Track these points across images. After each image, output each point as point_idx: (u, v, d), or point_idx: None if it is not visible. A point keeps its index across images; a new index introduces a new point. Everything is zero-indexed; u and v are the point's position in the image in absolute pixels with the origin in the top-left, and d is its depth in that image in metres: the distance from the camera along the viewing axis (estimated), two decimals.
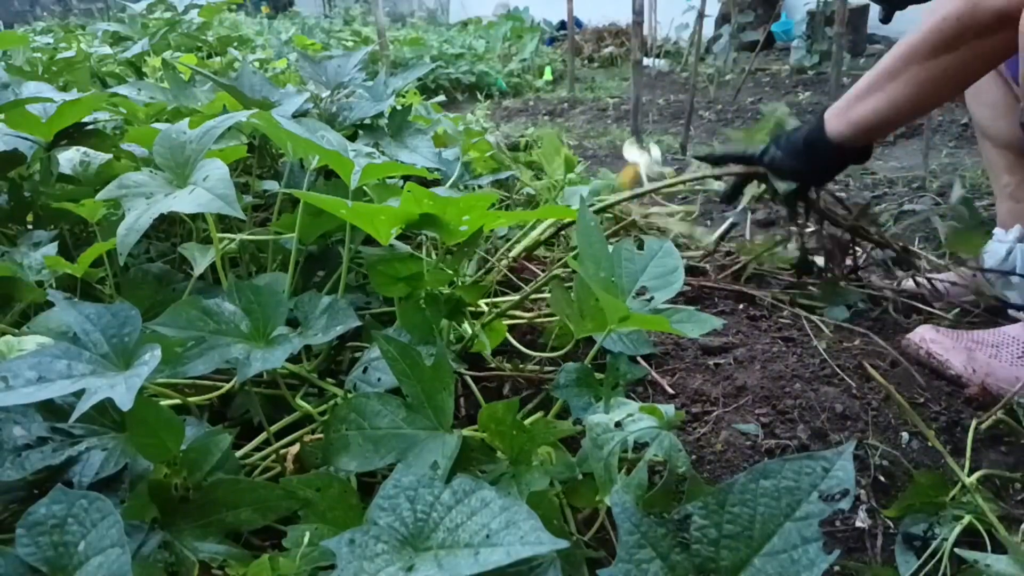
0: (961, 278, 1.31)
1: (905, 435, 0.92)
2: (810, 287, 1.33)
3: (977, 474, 0.82)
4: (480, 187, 1.54)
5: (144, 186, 0.83)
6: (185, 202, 0.78)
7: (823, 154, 1.15)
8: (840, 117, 1.11)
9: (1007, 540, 0.71)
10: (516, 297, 1.11)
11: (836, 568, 0.75)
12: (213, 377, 0.88)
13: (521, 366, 1.04)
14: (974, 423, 0.93)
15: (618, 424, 0.65)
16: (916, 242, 1.86)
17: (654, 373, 1.01)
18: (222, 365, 0.73)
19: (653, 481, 0.63)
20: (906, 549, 0.75)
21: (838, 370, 1.03)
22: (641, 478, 0.61)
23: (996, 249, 1.37)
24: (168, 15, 2.86)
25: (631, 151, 1.45)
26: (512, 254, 1.29)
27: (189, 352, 0.72)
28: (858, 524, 0.80)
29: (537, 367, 1.04)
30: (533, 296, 1.14)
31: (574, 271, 0.90)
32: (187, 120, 0.90)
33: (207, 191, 0.77)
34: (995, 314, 1.26)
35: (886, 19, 1.30)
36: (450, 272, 0.94)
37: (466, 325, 1.01)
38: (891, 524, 0.79)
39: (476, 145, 1.58)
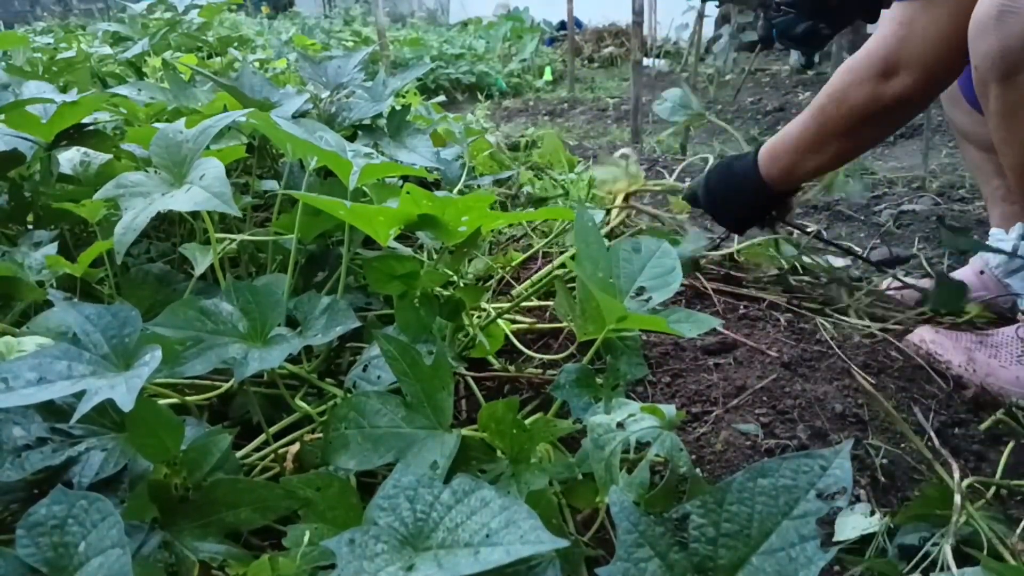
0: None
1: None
2: (809, 287, 1.33)
3: (967, 481, 0.82)
4: (479, 187, 1.54)
5: (141, 185, 0.83)
6: (181, 200, 0.78)
7: (771, 202, 1.26)
8: (782, 179, 1.21)
9: (1003, 542, 0.71)
10: (509, 304, 1.11)
11: (835, 568, 0.75)
12: (213, 377, 0.88)
13: (523, 368, 1.04)
14: (986, 423, 0.93)
15: (620, 424, 0.65)
16: (916, 242, 1.86)
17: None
18: (220, 365, 0.73)
19: (654, 481, 0.63)
20: (902, 558, 0.75)
21: (837, 370, 1.03)
22: (643, 478, 0.61)
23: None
24: (168, 15, 2.87)
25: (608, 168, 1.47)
26: (517, 262, 1.29)
27: (187, 352, 0.72)
28: None
29: (538, 369, 1.04)
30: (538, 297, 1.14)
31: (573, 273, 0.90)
32: (184, 119, 0.90)
33: (203, 189, 0.77)
34: (997, 315, 1.26)
35: (808, 64, 1.39)
36: (446, 272, 0.94)
37: (467, 326, 1.01)
38: (891, 524, 0.79)
39: (474, 144, 1.58)
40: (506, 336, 1.06)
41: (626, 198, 1.39)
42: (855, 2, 1.25)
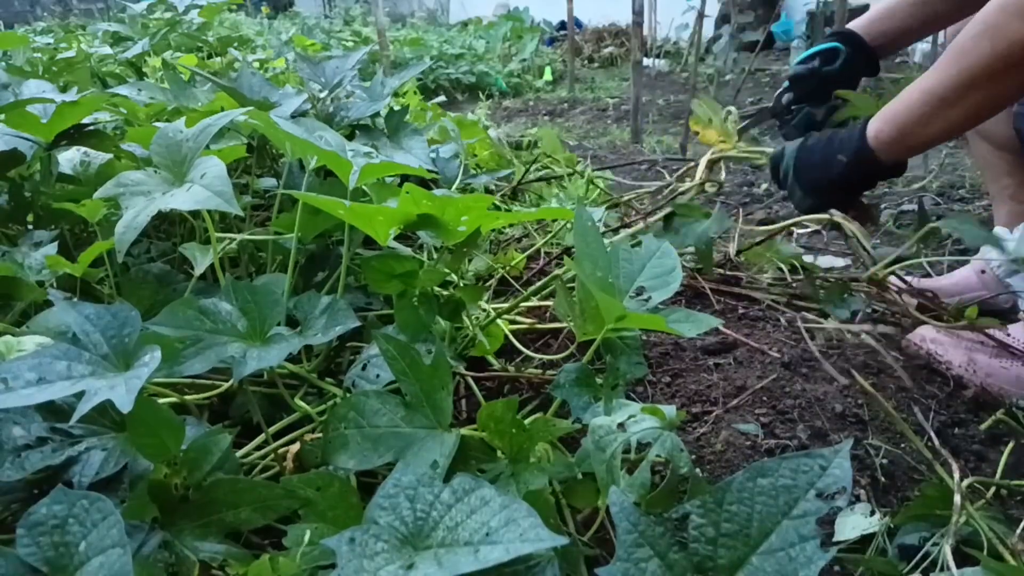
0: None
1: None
2: (811, 287, 1.33)
3: (967, 481, 0.82)
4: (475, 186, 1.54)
5: (142, 184, 0.83)
6: (182, 199, 0.78)
7: (870, 176, 1.12)
8: (896, 144, 1.06)
9: (1003, 542, 0.71)
10: (509, 304, 1.11)
11: (835, 568, 0.75)
12: (213, 377, 0.88)
13: (523, 368, 1.04)
14: (986, 423, 0.93)
15: (621, 425, 0.65)
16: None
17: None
18: (219, 364, 0.73)
19: (655, 482, 0.63)
20: (902, 558, 0.75)
21: (837, 370, 1.03)
22: (644, 478, 0.61)
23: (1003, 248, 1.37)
24: (168, 15, 2.87)
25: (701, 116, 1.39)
26: (515, 261, 1.29)
27: (186, 351, 0.72)
28: None
29: (538, 369, 1.04)
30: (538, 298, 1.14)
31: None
32: (184, 119, 0.90)
33: (204, 188, 0.77)
34: (997, 314, 1.26)
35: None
36: (444, 271, 0.94)
37: (467, 324, 1.01)
38: (891, 524, 0.79)
39: (474, 144, 1.58)
40: (506, 336, 1.06)
41: (710, 163, 1.34)
42: (858, 62, 1.24)
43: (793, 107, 1.32)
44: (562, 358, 1.01)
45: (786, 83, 1.33)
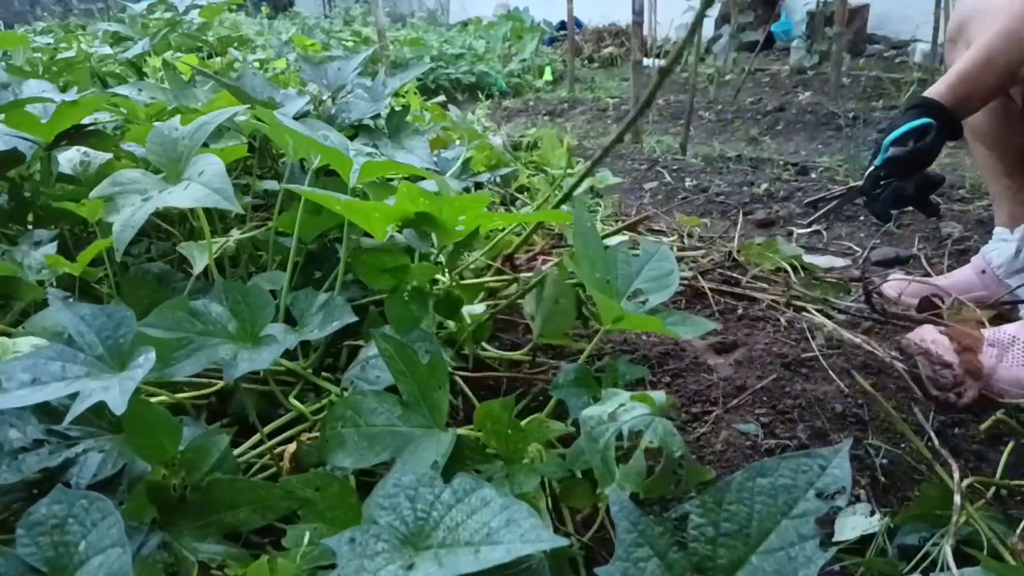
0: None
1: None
2: (810, 287, 1.33)
3: (967, 481, 0.81)
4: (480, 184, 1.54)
5: (138, 183, 0.82)
6: (181, 196, 0.77)
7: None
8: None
9: (1003, 542, 0.71)
10: (507, 302, 1.10)
11: (836, 568, 0.75)
12: (211, 375, 0.88)
13: (522, 367, 1.04)
14: (986, 423, 0.92)
15: (611, 415, 0.65)
16: (916, 242, 1.86)
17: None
18: (209, 366, 0.73)
19: (650, 467, 0.63)
20: (901, 558, 0.75)
21: (837, 370, 1.03)
22: (639, 465, 0.61)
23: (1003, 248, 1.37)
24: (169, 15, 2.86)
25: None
26: (515, 247, 1.28)
27: (176, 353, 0.72)
28: None
29: (537, 370, 1.04)
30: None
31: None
32: (178, 117, 0.89)
33: (203, 186, 0.77)
34: (997, 314, 1.26)
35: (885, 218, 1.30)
36: (435, 267, 0.94)
37: (465, 321, 1.01)
38: (891, 524, 0.79)
39: (477, 148, 1.58)
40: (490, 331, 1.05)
41: None
42: (945, 133, 1.22)
43: (882, 182, 1.29)
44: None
45: (876, 163, 1.29)
